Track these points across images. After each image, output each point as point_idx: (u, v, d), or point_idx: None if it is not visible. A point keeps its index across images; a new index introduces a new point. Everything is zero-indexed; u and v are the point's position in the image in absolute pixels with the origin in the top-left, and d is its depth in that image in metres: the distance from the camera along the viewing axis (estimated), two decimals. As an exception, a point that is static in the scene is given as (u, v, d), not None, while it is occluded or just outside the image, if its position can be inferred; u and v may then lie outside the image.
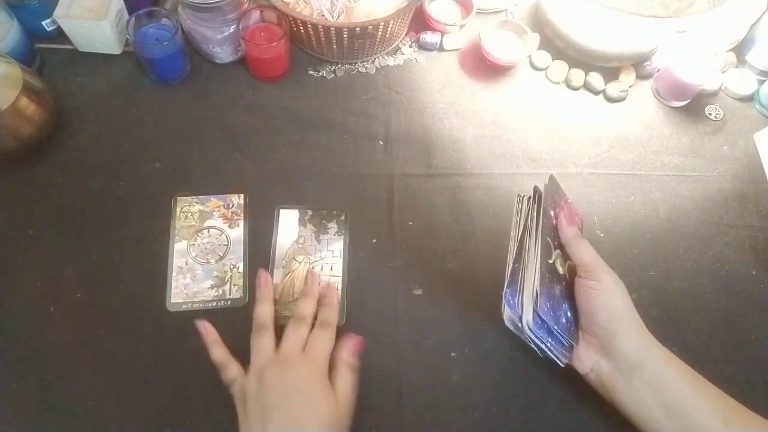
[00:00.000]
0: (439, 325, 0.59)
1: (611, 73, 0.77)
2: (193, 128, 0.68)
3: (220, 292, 0.59)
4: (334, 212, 0.64)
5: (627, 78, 0.76)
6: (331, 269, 0.61)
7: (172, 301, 0.58)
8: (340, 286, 0.60)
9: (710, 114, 0.75)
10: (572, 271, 0.53)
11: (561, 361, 0.51)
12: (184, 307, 0.57)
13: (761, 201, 0.69)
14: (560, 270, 0.53)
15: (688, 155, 0.72)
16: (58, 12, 0.67)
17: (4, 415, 0.52)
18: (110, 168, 0.65)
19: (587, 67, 0.76)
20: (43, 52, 0.71)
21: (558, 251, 0.53)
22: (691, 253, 0.65)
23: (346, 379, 0.50)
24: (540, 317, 0.49)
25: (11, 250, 0.59)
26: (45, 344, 0.55)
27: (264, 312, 0.54)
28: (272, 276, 0.60)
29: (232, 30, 0.69)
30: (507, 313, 0.53)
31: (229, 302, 0.58)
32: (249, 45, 0.67)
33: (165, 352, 0.56)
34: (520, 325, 0.51)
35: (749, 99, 0.77)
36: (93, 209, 0.62)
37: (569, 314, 0.51)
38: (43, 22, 0.70)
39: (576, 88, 0.76)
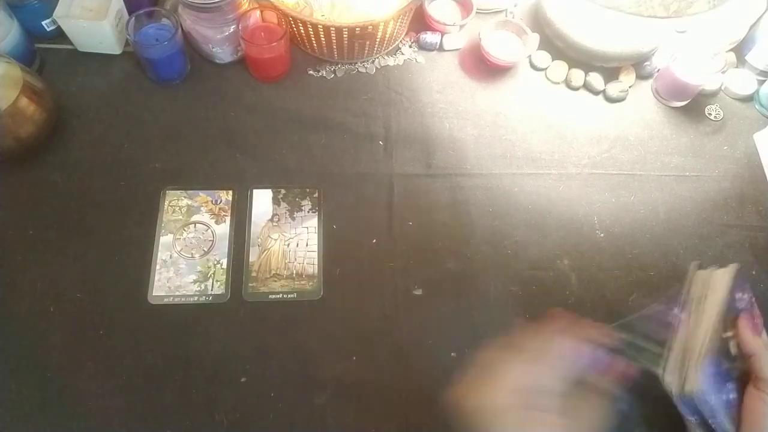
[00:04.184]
0: (439, 325, 0.59)
1: (611, 73, 0.77)
2: (193, 128, 0.68)
3: (203, 287, 0.59)
4: (307, 190, 0.65)
5: (627, 78, 0.76)
6: (307, 245, 0.62)
7: (153, 294, 0.58)
8: (316, 260, 0.61)
9: (710, 114, 0.75)
10: (744, 358, 0.51)
11: None
12: (166, 300, 0.58)
13: (761, 201, 0.69)
14: (732, 350, 0.51)
15: (688, 155, 0.72)
16: (58, 12, 0.67)
17: (4, 415, 0.52)
18: (110, 168, 0.65)
19: (587, 67, 0.76)
20: (43, 52, 0.71)
21: (733, 331, 0.51)
22: (691, 253, 0.65)
23: None
24: (701, 377, 0.47)
25: (11, 250, 0.59)
26: (45, 344, 0.55)
27: None
28: (248, 254, 0.61)
29: (232, 30, 0.69)
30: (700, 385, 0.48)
31: (210, 298, 0.58)
32: (249, 45, 0.67)
33: (165, 351, 0.56)
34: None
35: (749, 99, 0.77)
36: (93, 209, 0.62)
37: (732, 395, 0.49)
38: (43, 22, 0.70)
39: (576, 88, 0.76)
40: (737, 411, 0.50)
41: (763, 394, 0.48)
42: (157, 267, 0.59)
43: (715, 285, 0.53)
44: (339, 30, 0.67)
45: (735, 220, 0.68)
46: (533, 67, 0.77)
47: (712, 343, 0.49)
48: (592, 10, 0.64)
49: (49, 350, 0.55)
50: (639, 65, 0.77)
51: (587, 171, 0.70)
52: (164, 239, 0.61)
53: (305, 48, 0.75)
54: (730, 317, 0.51)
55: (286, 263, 0.61)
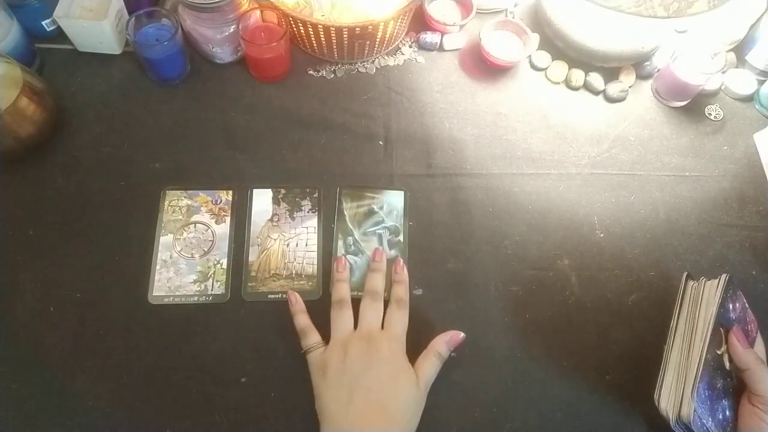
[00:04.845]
0: (439, 325, 0.59)
1: (611, 73, 0.76)
2: (193, 128, 0.68)
3: (203, 288, 0.59)
4: (307, 190, 0.65)
5: (627, 78, 0.76)
6: (306, 245, 0.62)
7: (154, 294, 0.58)
8: (315, 260, 0.61)
9: (710, 114, 0.75)
10: (738, 370, 0.51)
11: None
12: (166, 300, 0.58)
13: (761, 201, 0.69)
14: (726, 365, 0.51)
15: (688, 155, 0.72)
16: (58, 12, 0.67)
17: (4, 415, 0.52)
18: (110, 168, 0.65)
19: (587, 67, 0.76)
20: (43, 52, 0.71)
21: (726, 346, 0.52)
22: (691, 253, 0.65)
23: (431, 364, 0.53)
24: (696, 404, 0.47)
25: (11, 250, 0.59)
26: (45, 344, 0.55)
27: (343, 289, 0.57)
28: (248, 254, 0.61)
29: (232, 30, 0.69)
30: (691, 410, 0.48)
31: (210, 298, 0.58)
32: (249, 45, 0.67)
33: (165, 351, 0.56)
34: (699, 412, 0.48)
35: (749, 99, 0.77)
36: (93, 209, 0.62)
37: (728, 413, 0.50)
38: (43, 22, 0.70)
39: (576, 88, 0.76)
40: (732, 427, 0.50)
41: (759, 410, 0.48)
42: (157, 267, 0.59)
43: (706, 299, 0.53)
44: (339, 30, 0.67)
45: (735, 220, 0.68)
46: (533, 67, 0.77)
47: (706, 364, 0.48)
48: (592, 10, 0.64)
49: (49, 350, 0.55)
50: (639, 65, 0.77)
51: (587, 171, 0.70)
52: (164, 239, 0.61)
53: (305, 48, 0.75)
54: (724, 328, 0.51)
55: (285, 263, 0.61)
